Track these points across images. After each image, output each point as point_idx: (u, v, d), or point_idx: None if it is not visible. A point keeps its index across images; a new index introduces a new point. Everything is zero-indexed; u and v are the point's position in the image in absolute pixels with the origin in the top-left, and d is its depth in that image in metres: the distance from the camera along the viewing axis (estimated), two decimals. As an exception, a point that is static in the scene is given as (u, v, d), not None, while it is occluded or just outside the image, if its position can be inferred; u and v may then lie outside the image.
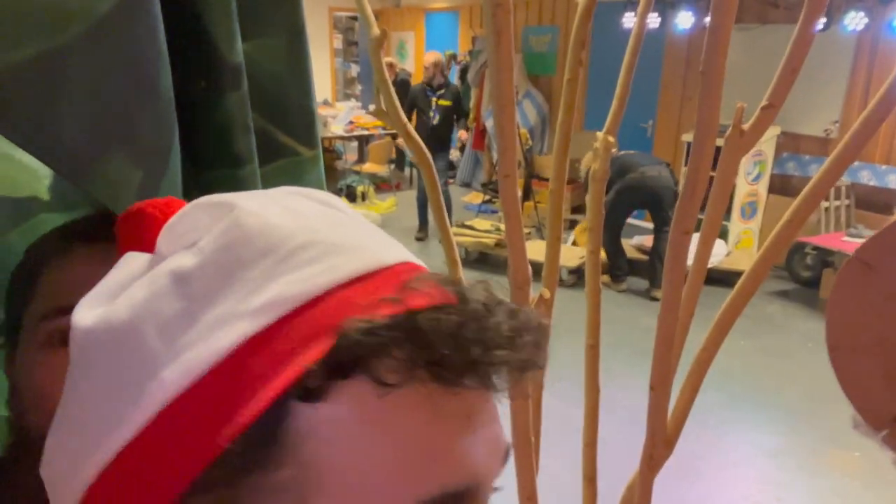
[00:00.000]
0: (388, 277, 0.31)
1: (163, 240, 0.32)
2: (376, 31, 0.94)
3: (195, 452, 0.27)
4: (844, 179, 5.00)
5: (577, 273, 4.86)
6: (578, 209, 6.31)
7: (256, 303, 0.28)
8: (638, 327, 4.23)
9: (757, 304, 4.57)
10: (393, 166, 7.95)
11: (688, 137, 5.61)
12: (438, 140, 5.69)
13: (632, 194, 4.72)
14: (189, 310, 0.29)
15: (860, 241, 3.04)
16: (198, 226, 0.32)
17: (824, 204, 4.83)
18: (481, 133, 7.52)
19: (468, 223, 5.51)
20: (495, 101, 0.50)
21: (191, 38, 0.46)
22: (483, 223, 5.56)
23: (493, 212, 6.86)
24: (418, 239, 5.98)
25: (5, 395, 0.57)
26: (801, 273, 5.01)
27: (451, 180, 7.60)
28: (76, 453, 0.30)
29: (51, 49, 0.40)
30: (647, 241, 5.41)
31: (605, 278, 4.89)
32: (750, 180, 5.50)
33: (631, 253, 5.29)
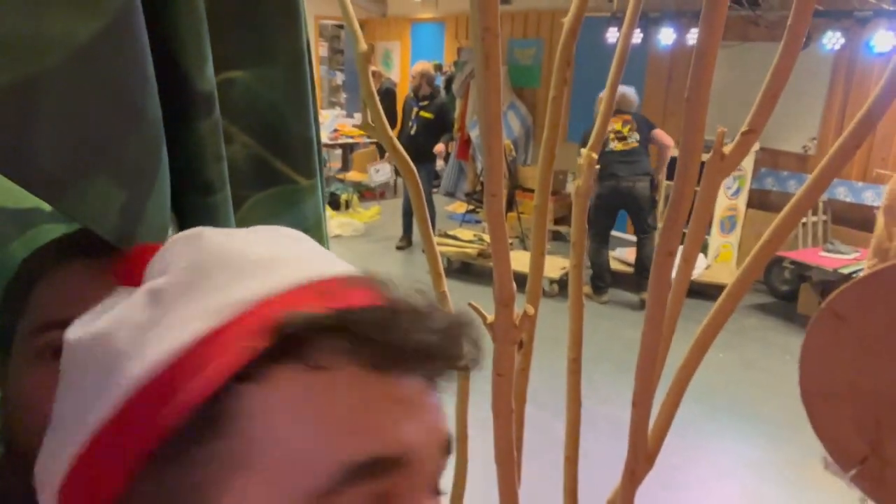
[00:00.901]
0: (333, 284, 0.35)
1: (147, 273, 0.37)
2: (363, 45, 0.95)
3: (150, 431, 0.30)
4: (823, 196, 5.08)
5: (560, 283, 4.88)
6: (562, 220, 6.34)
7: (213, 305, 0.32)
8: (620, 339, 4.26)
9: (736, 318, 4.61)
10: (376, 171, 7.95)
11: (671, 152, 5.68)
12: (416, 151, 5.68)
13: (610, 198, 4.79)
14: (156, 316, 0.33)
15: (836, 256, 3.10)
16: (174, 257, 0.36)
17: (802, 219, 4.90)
18: (466, 143, 7.55)
19: (451, 233, 5.51)
20: (483, 122, 0.50)
21: (159, 65, 0.46)
22: (466, 233, 5.57)
23: (477, 221, 6.88)
24: (399, 248, 5.97)
25: None
26: (779, 287, 5.08)
27: (434, 190, 7.61)
28: (55, 451, 0.34)
29: (27, 76, 0.40)
30: (630, 254, 5.46)
31: (587, 290, 4.91)
32: (729, 195, 5.58)
33: (614, 265, 5.32)
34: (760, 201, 5.67)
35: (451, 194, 8.14)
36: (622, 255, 5.47)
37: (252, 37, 0.57)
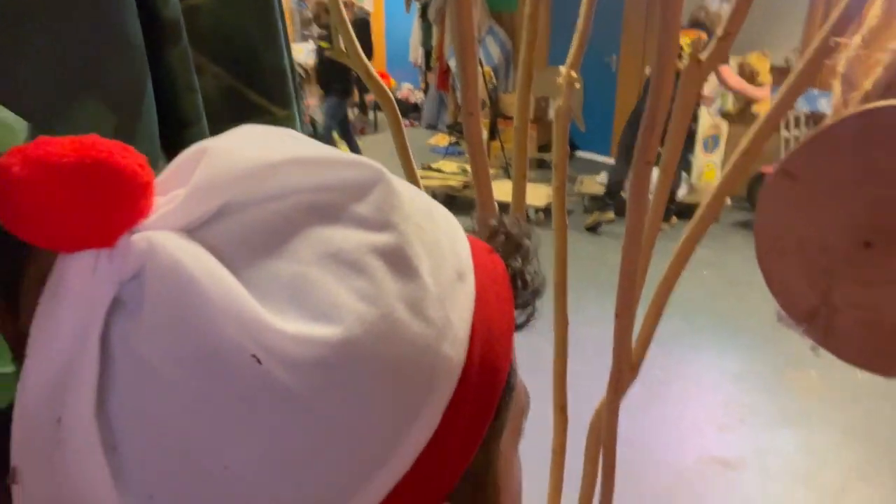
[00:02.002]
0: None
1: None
2: (332, -33, 0.91)
3: (477, 419, 0.29)
4: (804, 109, 5.06)
5: (545, 212, 4.89)
6: (544, 148, 6.30)
7: (462, 261, 0.31)
8: (606, 264, 4.31)
9: (719, 236, 4.68)
10: (356, 110, 7.80)
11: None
12: (322, 83, 5.53)
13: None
14: (422, 282, 0.28)
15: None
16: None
17: (784, 134, 4.90)
18: (445, 73, 7.38)
19: (434, 166, 5.47)
20: (456, 39, 0.50)
21: None
22: (450, 165, 5.53)
23: (460, 153, 6.82)
24: None
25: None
26: (761, 203, 5.13)
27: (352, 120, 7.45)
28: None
29: (14, 3, 0.39)
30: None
31: (596, 215, 4.89)
32: (712, 113, 5.54)
33: (597, 189, 5.33)
34: (748, 116, 5.65)
35: (432, 127, 8.03)
36: (606, 179, 5.45)
37: None
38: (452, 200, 5.33)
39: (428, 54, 7.77)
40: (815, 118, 5.19)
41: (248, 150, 0.28)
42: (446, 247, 0.30)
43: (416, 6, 7.79)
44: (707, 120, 5.47)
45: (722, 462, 2.63)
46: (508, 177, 5.72)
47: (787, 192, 0.35)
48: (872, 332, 0.37)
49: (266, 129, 0.31)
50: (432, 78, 7.68)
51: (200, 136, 0.51)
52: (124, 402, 0.24)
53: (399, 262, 0.27)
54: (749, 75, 4.99)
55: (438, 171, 5.36)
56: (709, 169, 5.63)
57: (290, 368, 0.24)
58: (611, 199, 4.91)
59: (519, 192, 1.01)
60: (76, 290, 0.25)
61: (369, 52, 8.32)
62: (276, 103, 0.62)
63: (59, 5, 0.41)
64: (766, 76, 5.13)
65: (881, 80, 0.37)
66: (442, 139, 7.35)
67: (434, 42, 7.33)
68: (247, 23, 0.58)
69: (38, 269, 0.52)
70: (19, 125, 0.48)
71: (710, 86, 5.29)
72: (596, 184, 5.37)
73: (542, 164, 6.25)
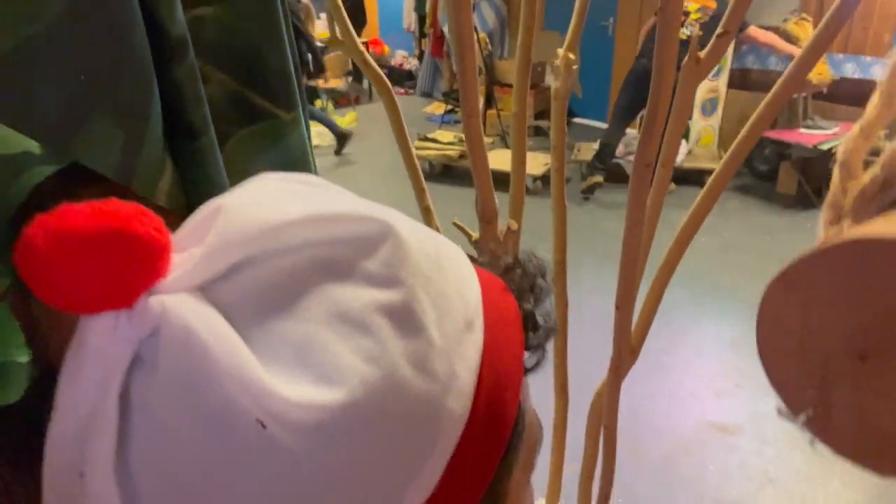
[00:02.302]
0: None
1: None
2: (324, -48, 0.89)
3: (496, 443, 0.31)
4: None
5: (543, 180, 4.88)
6: (542, 114, 6.25)
7: (471, 308, 0.31)
8: (601, 232, 4.32)
9: (717, 201, 4.68)
10: (351, 79, 7.70)
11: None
12: None
13: (638, 77, 4.52)
14: (428, 337, 0.29)
15: (816, 132, 3.09)
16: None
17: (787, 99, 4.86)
18: (439, 39, 7.27)
19: (430, 136, 5.42)
20: (456, 44, 0.49)
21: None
22: (446, 135, 5.49)
23: (457, 122, 6.76)
24: None
25: (11, 340, 0.58)
26: (759, 167, 5.10)
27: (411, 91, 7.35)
28: None
29: (27, 37, 0.39)
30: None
31: (588, 180, 4.84)
32: (710, 77, 5.48)
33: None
34: (741, 81, 5.59)
35: (427, 94, 7.95)
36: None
37: None
38: (449, 170, 5.31)
39: (421, 20, 7.65)
40: (841, 83, 5.10)
41: (262, 207, 0.29)
42: (454, 295, 0.30)
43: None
44: (705, 84, 5.42)
45: (720, 427, 2.67)
46: (505, 145, 5.69)
47: (785, 301, 0.36)
48: (867, 434, 0.38)
49: (280, 183, 0.32)
50: (426, 44, 7.57)
51: (209, 146, 0.51)
52: (142, 455, 0.25)
53: (405, 318, 0.28)
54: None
55: (434, 140, 5.32)
56: (706, 133, 5.59)
57: (293, 432, 0.25)
58: (601, 162, 4.81)
59: (518, 176, 1.01)
60: (98, 348, 0.26)
61: (363, 19, 8.18)
62: (281, 106, 0.62)
63: (76, 28, 0.41)
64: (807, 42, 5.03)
65: (878, 177, 0.37)
66: (438, 107, 7.28)
67: (427, 7, 7.20)
68: (252, 30, 0.58)
69: None
70: (40, 150, 0.49)
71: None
72: (593, 151, 5.34)
73: (538, 132, 6.20)
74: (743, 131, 0.69)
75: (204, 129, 0.51)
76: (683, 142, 5.39)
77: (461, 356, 0.29)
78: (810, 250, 0.35)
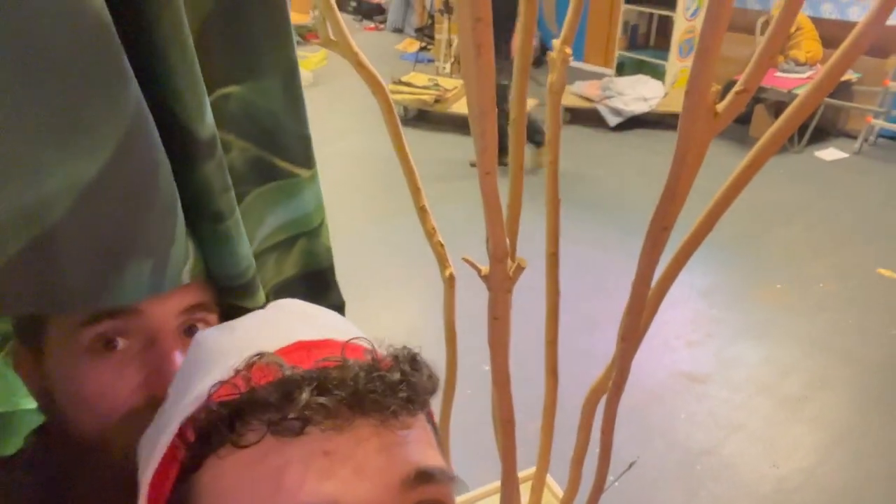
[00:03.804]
0: (264, 359, 0.39)
1: None
2: (316, -49, 0.85)
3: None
4: (807, 12, 4.97)
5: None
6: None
7: (185, 403, 0.39)
8: (583, 180, 4.33)
9: (692, 146, 4.70)
10: (317, 12, 7.41)
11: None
12: None
13: None
14: (159, 422, 0.41)
15: (791, 76, 3.11)
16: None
17: (756, 38, 4.83)
18: (410, -28, 7.01)
19: (405, 79, 5.30)
20: (475, 108, 0.48)
21: (160, 120, 0.43)
22: (420, 78, 5.37)
23: (430, 61, 6.60)
24: None
25: (14, 391, 0.59)
26: (733, 110, 5.12)
27: (381, 26, 7.10)
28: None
29: (42, 233, 0.38)
30: (590, 87, 5.35)
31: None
32: (688, 16, 5.41)
33: (571, 101, 5.25)
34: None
35: (398, 30, 7.71)
36: (580, 90, 5.37)
37: (244, 54, 0.54)
38: (425, 115, 5.22)
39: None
40: (817, 24, 5.08)
41: None
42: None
43: None
44: (682, 24, 5.35)
45: (690, 377, 2.78)
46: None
47: None
48: None
49: None
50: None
51: (235, 227, 0.51)
52: None
53: None
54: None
55: (409, 84, 5.20)
56: (684, 75, 5.56)
57: None
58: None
59: (517, 137, 0.99)
60: None
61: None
62: (300, 165, 0.63)
63: (95, 208, 0.40)
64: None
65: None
66: (410, 44, 7.08)
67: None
68: (276, 105, 0.58)
69: (60, 324, 0.52)
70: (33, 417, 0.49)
71: None
72: (570, 94, 5.28)
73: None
74: (732, 92, 0.65)
75: (229, 213, 0.51)
76: (660, 84, 5.35)
77: None
78: None
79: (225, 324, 0.45)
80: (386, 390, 0.37)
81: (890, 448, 2.44)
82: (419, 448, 0.38)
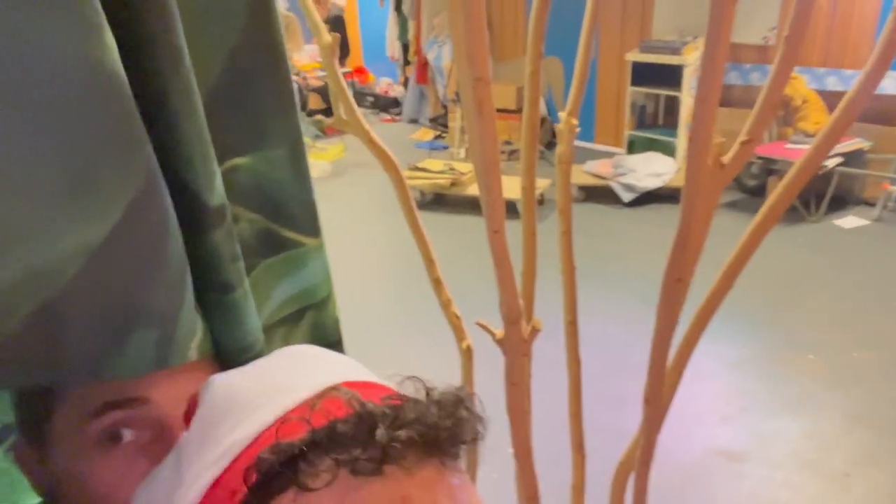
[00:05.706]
0: (320, 400, 0.37)
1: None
2: (327, 37, 0.90)
3: None
4: (812, 86, 5.09)
5: (538, 200, 4.88)
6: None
7: (218, 453, 0.36)
8: (599, 255, 4.32)
9: (709, 219, 4.70)
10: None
11: (632, 56, 5.59)
12: None
13: None
14: (177, 475, 0.38)
15: (802, 147, 3.16)
16: (198, 408, 0.41)
17: (773, 115, 4.92)
18: (424, 66, 7.33)
19: (420, 165, 5.44)
20: (480, 166, 0.49)
21: (172, 188, 0.44)
22: (436, 163, 5.50)
23: (445, 147, 6.79)
24: None
25: (16, 487, 0.57)
26: (747, 182, 5.15)
27: (398, 118, 7.37)
28: None
29: (51, 295, 0.38)
30: (602, 166, 5.44)
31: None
32: (693, 95, 5.55)
33: (585, 180, 5.32)
34: (724, 97, 5.59)
35: (414, 121, 7.98)
36: (593, 168, 5.46)
37: (251, 123, 0.56)
38: (441, 199, 5.31)
39: (405, 48, 7.71)
40: (823, 96, 5.14)
41: None
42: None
43: (389, 0, 7.70)
44: (689, 101, 5.48)
45: (726, 454, 2.66)
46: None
47: None
48: None
49: None
50: (410, 71, 7.62)
51: (244, 298, 0.51)
52: None
53: None
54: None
55: (425, 170, 5.33)
56: (693, 150, 5.64)
57: None
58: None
59: (529, 198, 1.00)
60: None
61: (346, 49, 8.21)
62: (307, 234, 0.63)
63: (103, 271, 0.41)
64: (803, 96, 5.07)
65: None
66: (425, 133, 7.31)
67: (410, 36, 7.26)
68: (284, 175, 0.59)
69: (65, 417, 0.51)
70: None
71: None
72: (582, 173, 5.37)
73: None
74: (733, 147, 0.66)
75: (238, 284, 0.51)
76: (671, 160, 5.43)
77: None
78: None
79: (239, 369, 0.43)
80: (455, 430, 0.36)
81: (948, 526, 2.27)
82: (474, 493, 0.38)
